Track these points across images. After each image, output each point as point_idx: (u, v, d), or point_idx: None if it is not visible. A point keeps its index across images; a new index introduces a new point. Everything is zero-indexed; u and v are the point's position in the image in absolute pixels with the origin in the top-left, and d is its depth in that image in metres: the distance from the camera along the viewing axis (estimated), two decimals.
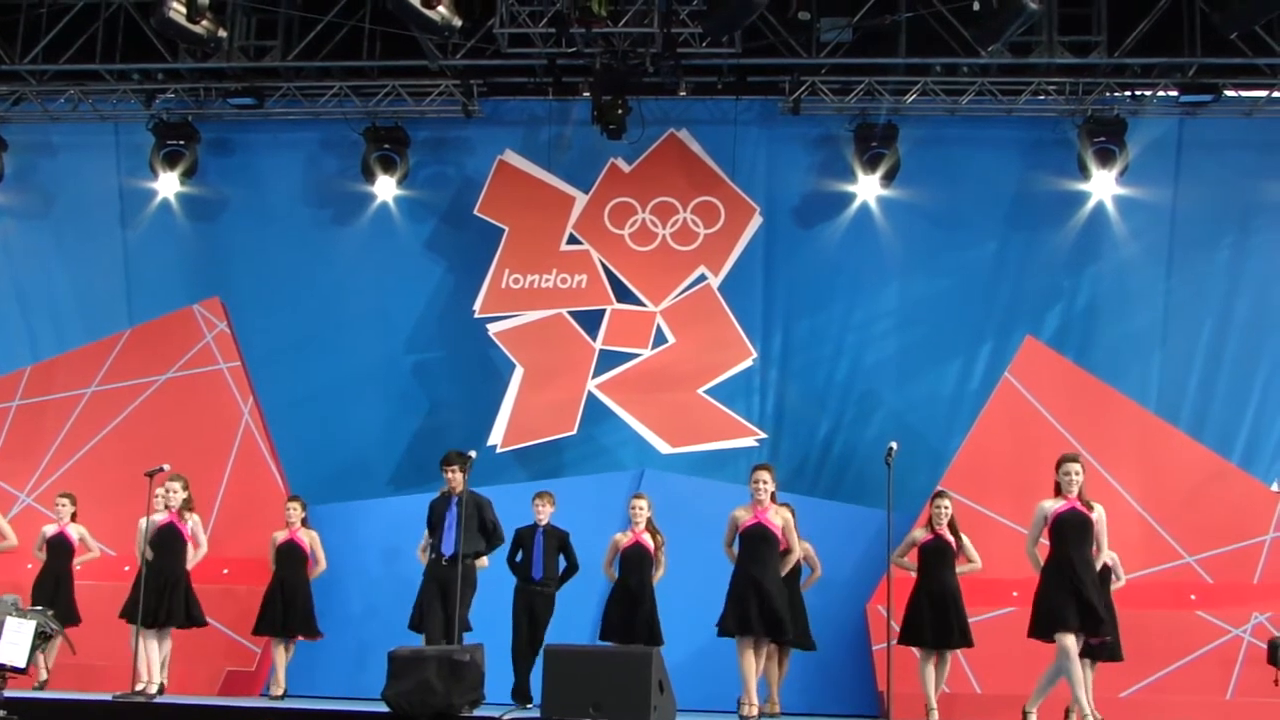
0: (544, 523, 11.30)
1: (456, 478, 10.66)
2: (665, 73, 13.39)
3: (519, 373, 13.87)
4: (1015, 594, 11.35)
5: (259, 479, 12.97)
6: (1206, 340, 13.53)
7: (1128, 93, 13.68)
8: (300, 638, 11.71)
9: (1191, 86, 13.28)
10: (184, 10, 11.75)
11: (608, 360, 13.87)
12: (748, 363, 13.74)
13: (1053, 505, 9.36)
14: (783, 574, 9.94)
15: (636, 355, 13.86)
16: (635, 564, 10.99)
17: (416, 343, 14.31)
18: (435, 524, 10.79)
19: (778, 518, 9.92)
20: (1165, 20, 12.79)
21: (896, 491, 9.51)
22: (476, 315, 13.99)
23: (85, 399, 13.51)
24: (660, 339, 13.87)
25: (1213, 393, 13.44)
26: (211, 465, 12.90)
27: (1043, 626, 9.22)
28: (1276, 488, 12.81)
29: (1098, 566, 9.39)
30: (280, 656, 11.60)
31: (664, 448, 13.52)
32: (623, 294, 14.00)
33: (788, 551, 9.93)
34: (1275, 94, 13.44)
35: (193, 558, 11.10)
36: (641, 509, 11.11)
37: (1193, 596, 11.83)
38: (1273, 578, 11.82)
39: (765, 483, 9.96)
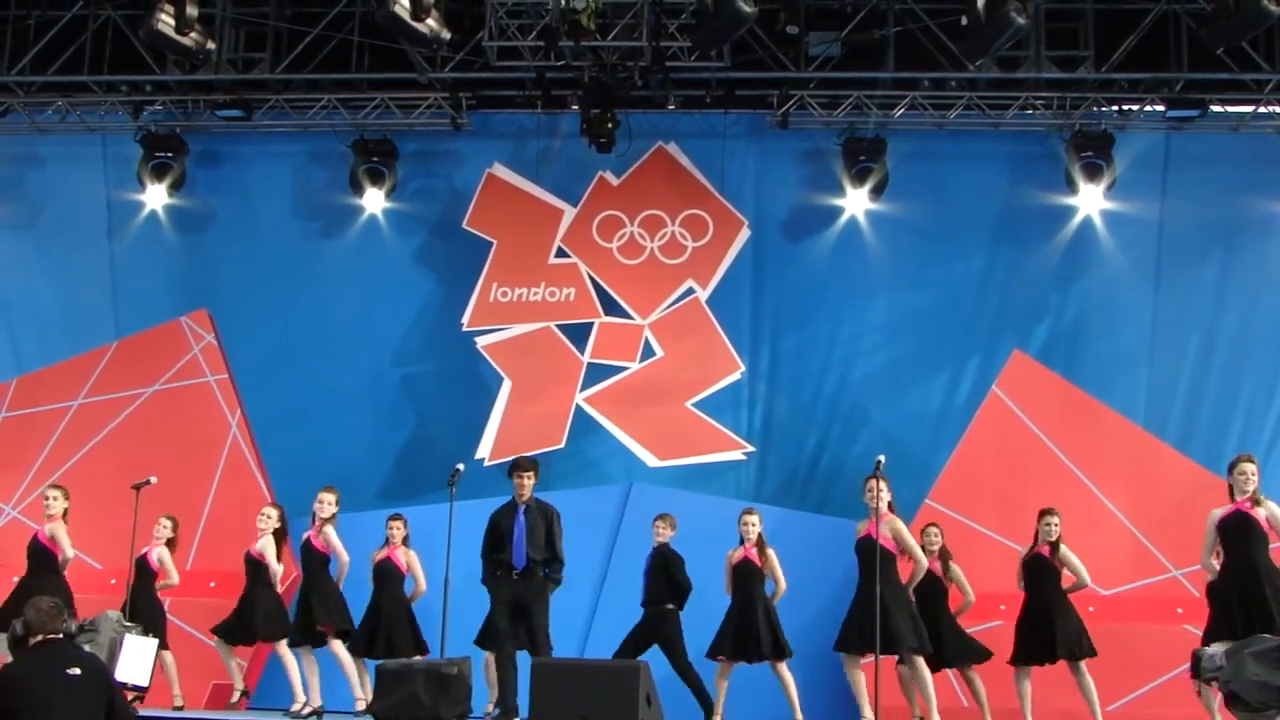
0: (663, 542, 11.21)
1: (525, 484, 10.22)
2: (654, 86, 13.42)
3: (507, 386, 13.86)
4: (1003, 608, 11.36)
5: (246, 492, 12.92)
6: (1194, 355, 13.56)
7: (1115, 107, 13.73)
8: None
9: (1178, 101, 13.32)
10: (172, 22, 11.75)
11: (596, 373, 13.86)
12: (736, 376, 13.74)
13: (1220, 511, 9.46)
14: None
15: (624, 368, 13.86)
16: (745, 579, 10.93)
17: (404, 355, 14.29)
18: (501, 537, 10.13)
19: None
20: (1152, 36, 12.84)
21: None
22: (465, 328, 13.98)
23: (72, 411, 13.48)
24: (648, 352, 13.87)
25: (1200, 407, 13.47)
26: (198, 478, 12.88)
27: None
28: None
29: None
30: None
31: (652, 461, 13.52)
32: (611, 307, 14.00)
33: None
34: (1262, 109, 13.49)
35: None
36: (753, 524, 10.99)
37: (1180, 610, 11.83)
38: None
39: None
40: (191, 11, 11.80)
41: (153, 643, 9.59)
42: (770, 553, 10.82)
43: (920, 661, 10.02)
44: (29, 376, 13.92)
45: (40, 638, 6.49)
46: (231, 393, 13.38)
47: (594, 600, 11.42)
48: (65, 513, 11.44)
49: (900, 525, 10.21)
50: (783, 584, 10.85)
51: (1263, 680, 8.20)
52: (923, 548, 10.69)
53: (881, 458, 9.50)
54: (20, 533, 12.44)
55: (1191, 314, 13.63)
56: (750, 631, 10.60)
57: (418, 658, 10.65)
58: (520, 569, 9.98)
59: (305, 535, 11.34)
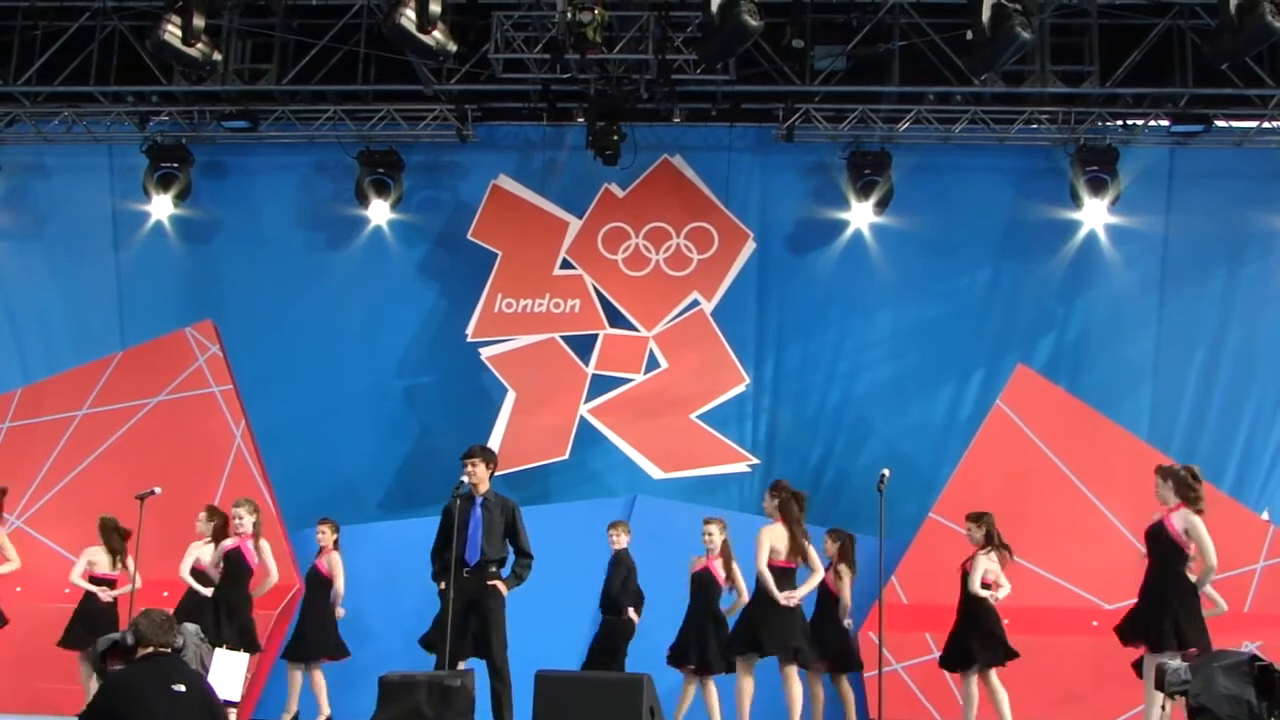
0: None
1: (474, 472, 9.38)
2: (659, 99, 13.44)
3: (511, 397, 13.87)
4: (1007, 622, 11.31)
5: None
6: (1198, 369, 13.57)
7: (1120, 122, 13.75)
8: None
9: (1183, 116, 13.35)
10: (179, 33, 11.76)
11: (600, 385, 13.87)
12: (740, 388, 13.76)
13: None
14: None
15: (629, 380, 13.87)
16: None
17: (408, 367, 14.30)
18: (452, 530, 9.29)
19: None
20: (1157, 50, 12.87)
21: (888, 519, 9.51)
22: (469, 339, 14.00)
23: (76, 421, 13.47)
24: (653, 364, 13.88)
25: (1204, 421, 13.48)
26: (203, 489, 12.82)
27: None
28: (1267, 516, 12.82)
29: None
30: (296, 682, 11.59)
31: (656, 473, 13.53)
32: (615, 319, 14.01)
33: None
34: (1266, 124, 13.51)
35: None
36: (713, 534, 10.88)
37: None
38: (1263, 606, 11.80)
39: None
40: (198, 22, 11.81)
41: (244, 657, 9.56)
42: (734, 564, 10.75)
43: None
44: (33, 386, 13.90)
45: (151, 650, 6.43)
46: (236, 403, 13.36)
47: (598, 613, 11.38)
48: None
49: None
50: (744, 596, 10.72)
51: (1234, 694, 8.19)
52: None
53: (886, 471, 9.47)
54: (24, 543, 12.44)
55: (1196, 329, 13.64)
56: (699, 640, 10.58)
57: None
58: (472, 564, 9.25)
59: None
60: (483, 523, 9.27)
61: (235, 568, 10.99)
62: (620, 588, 11.21)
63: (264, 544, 11.08)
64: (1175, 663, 8.72)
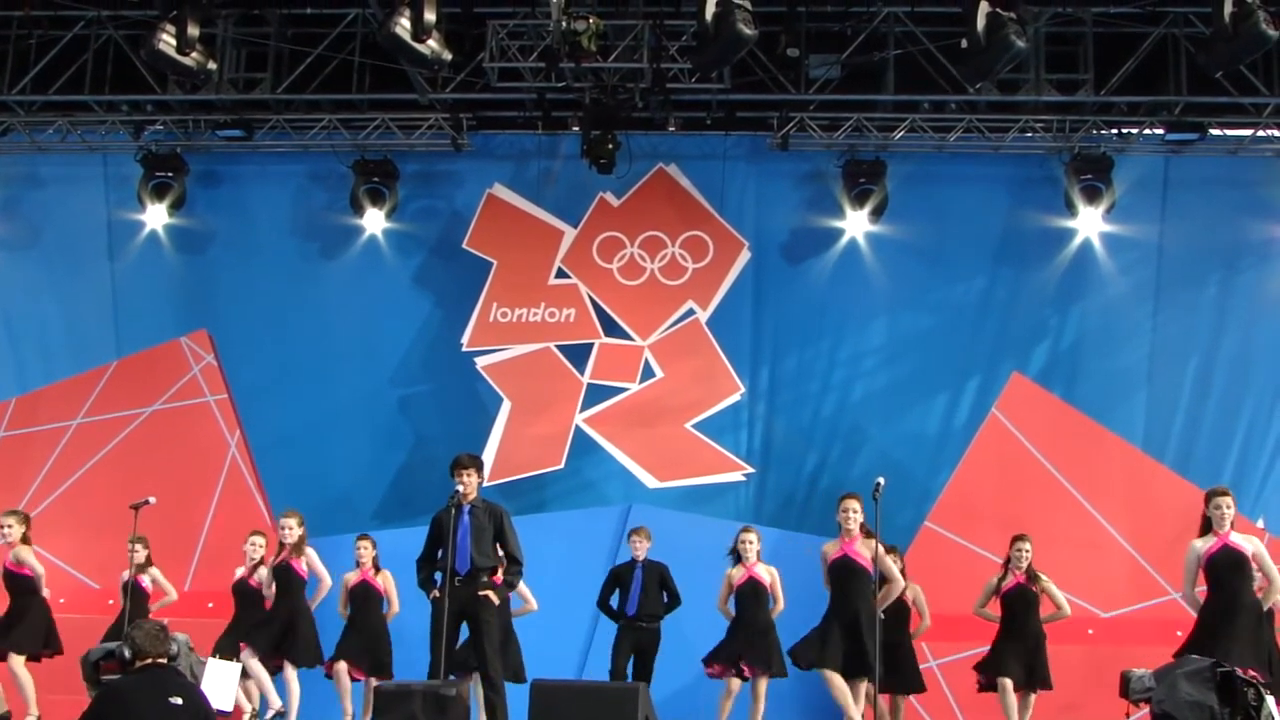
0: (641, 558, 11.01)
1: (466, 482, 9.23)
2: (654, 108, 13.47)
3: (506, 406, 13.86)
4: None
5: (245, 512, 12.89)
6: (1193, 377, 13.59)
7: (1114, 130, 13.79)
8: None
9: (1177, 125, 13.37)
10: (174, 42, 11.76)
11: (595, 394, 13.87)
12: (735, 397, 13.76)
13: (1203, 544, 9.30)
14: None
15: (624, 389, 13.87)
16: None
17: (404, 376, 14.29)
18: (442, 538, 9.17)
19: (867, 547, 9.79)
20: (1151, 59, 12.90)
21: (883, 527, 9.49)
22: (464, 349, 14.00)
23: (71, 431, 13.46)
24: (648, 373, 13.88)
25: (1199, 429, 13.50)
26: (198, 498, 12.86)
27: None
28: (1262, 524, 12.80)
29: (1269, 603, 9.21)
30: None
31: (651, 482, 13.53)
32: (611, 328, 14.01)
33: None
34: (1260, 132, 13.54)
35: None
36: (751, 543, 10.89)
37: (1179, 633, 11.71)
38: None
39: (856, 512, 9.76)
40: (193, 31, 11.81)
41: (236, 667, 9.52)
42: (773, 570, 10.80)
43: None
44: (28, 396, 13.91)
45: (148, 661, 6.38)
46: (231, 413, 13.36)
47: (593, 622, 11.38)
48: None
49: (878, 547, 9.97)
50: (781, 602, 10.80)
51: (1196, 700, 8.27)
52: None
53: (881, 479, 9.46)
54: None
55: (1191, 337, 13.66)
56: (759, 645, 10.52)
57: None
58: (464, 574, 9.11)
59: (281, 559, 11.08)
60: (471, 530, 9.17)
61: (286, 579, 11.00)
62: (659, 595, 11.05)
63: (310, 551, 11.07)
64: (1140, 670, 8.77)
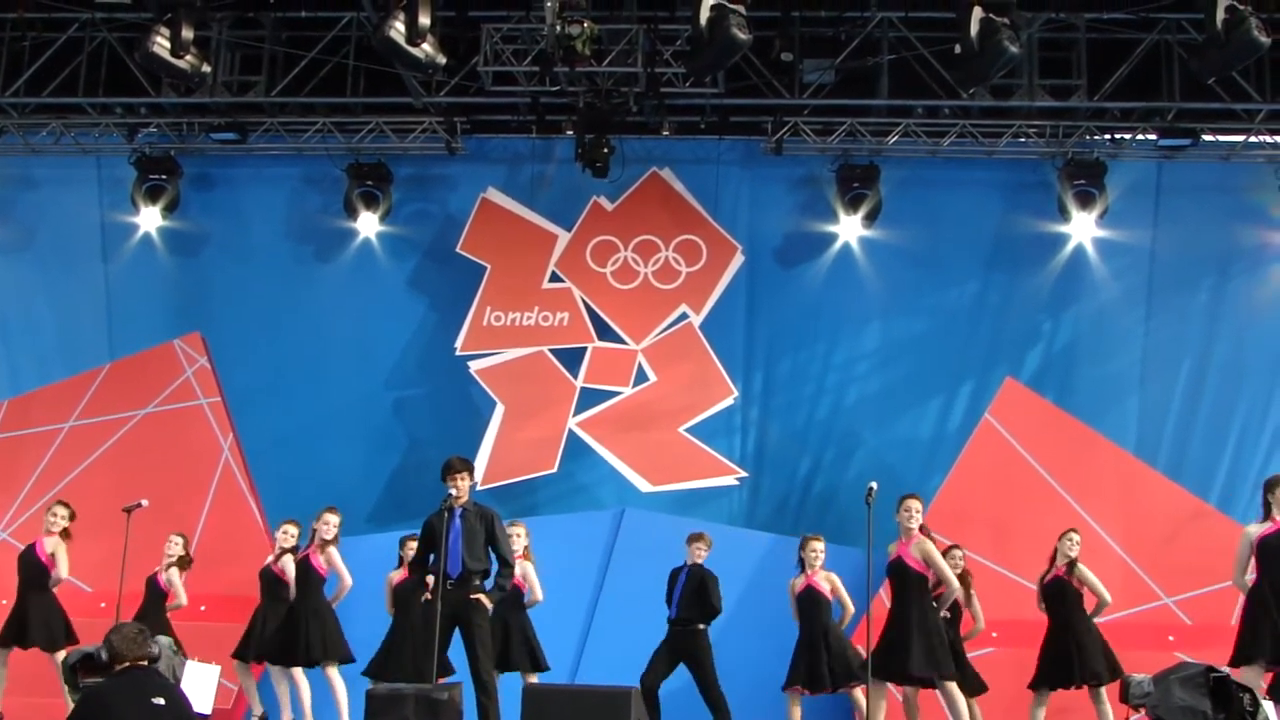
0: (692, 563, 10.78)
1: (460, 485, 9.21)
2: (648, 112, 13.46)
3: (499, 410, 13.86)
4: (995, 635, 11.36)
5: (238, 515, 12.88)
6: (1185, 382, 13.62)
7: (1107, 136, 13.81)
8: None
9: (1170, 131, 13.41)
10: (168, 44, 11.74)
11: (589, 398, 13.87)
12: (729, 401, 13.77)
13: (1258, 529, 9.43)
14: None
15: (617, 393, 13.87)
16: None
17: (397, 379, 14.29)
18: (434, 542, 9.19)
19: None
20: (1144, 65, 12.92)
21: (876, 531, 9.48)
22: (458, 352, 14.00)
23: (63, 433, 13.44)
24: (641, 377, 13.88)
25: (1191, 434, 13.53)
26: (190, 501, 12.83)
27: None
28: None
29: None
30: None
31: (644, 486, 13.53)
32: (604, 332, 14.01)
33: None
34: (1253, 139, 13.57)
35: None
36: (819, 550, 10.80)
37: (1171, 638, 11.84)
38: None
39: (917, 510, 9.71)
40: (187, 34, 11.79)
41: (215, 669, 9.51)
42: (833, 576, 10.70)
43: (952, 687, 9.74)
44: (20, 398, 13.89)
45: (128, 664, 6.38)
46: (224, 416, 13.34)
47: (586, 625, 11.39)
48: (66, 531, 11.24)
49: (930, 547, 9.90)
50: (850, 607, 10.71)
51: (1189, 705, 8.37)
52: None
53: (874, 484, 9.46)
54: (10, 555, 12.38)
55: (1183, 342, 13.69)
56: (818, 661, 10.45)
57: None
58: (455, 577, 9.07)
59: (303, 553, 11.11)
60: (462, 534, 9.14)
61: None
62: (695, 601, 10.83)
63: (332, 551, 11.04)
64: (1139, 676, 8.83)
